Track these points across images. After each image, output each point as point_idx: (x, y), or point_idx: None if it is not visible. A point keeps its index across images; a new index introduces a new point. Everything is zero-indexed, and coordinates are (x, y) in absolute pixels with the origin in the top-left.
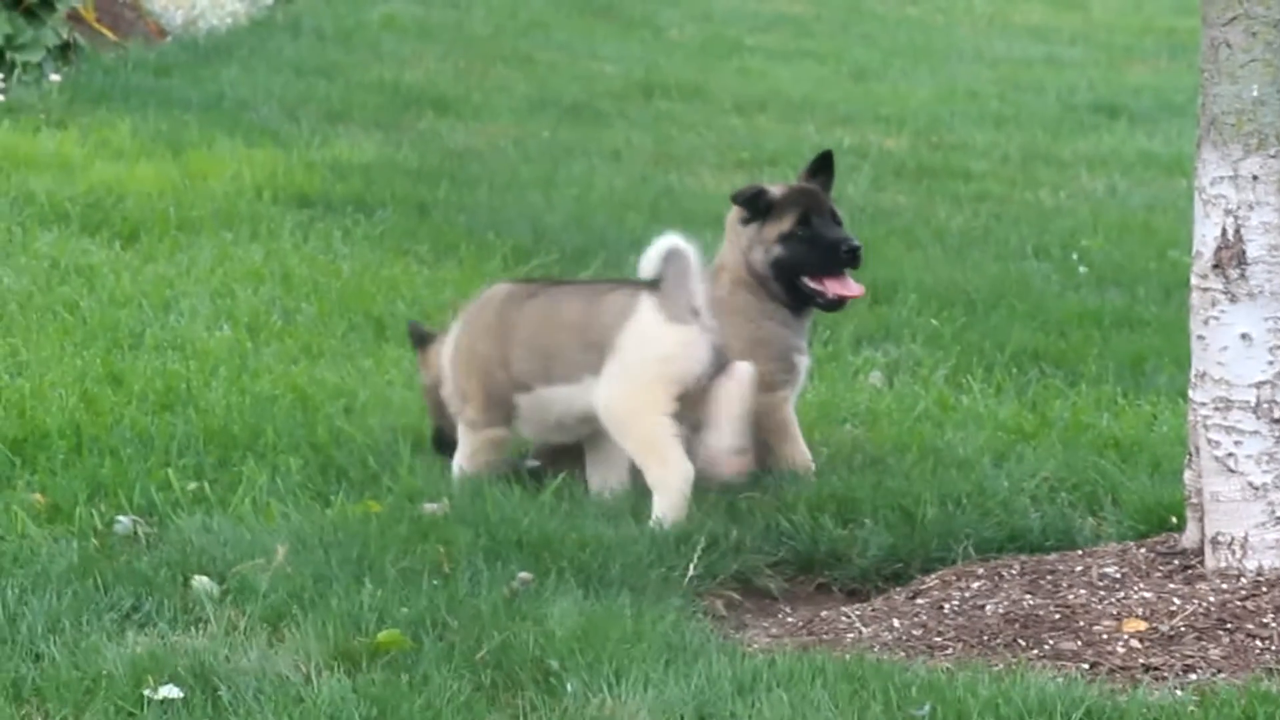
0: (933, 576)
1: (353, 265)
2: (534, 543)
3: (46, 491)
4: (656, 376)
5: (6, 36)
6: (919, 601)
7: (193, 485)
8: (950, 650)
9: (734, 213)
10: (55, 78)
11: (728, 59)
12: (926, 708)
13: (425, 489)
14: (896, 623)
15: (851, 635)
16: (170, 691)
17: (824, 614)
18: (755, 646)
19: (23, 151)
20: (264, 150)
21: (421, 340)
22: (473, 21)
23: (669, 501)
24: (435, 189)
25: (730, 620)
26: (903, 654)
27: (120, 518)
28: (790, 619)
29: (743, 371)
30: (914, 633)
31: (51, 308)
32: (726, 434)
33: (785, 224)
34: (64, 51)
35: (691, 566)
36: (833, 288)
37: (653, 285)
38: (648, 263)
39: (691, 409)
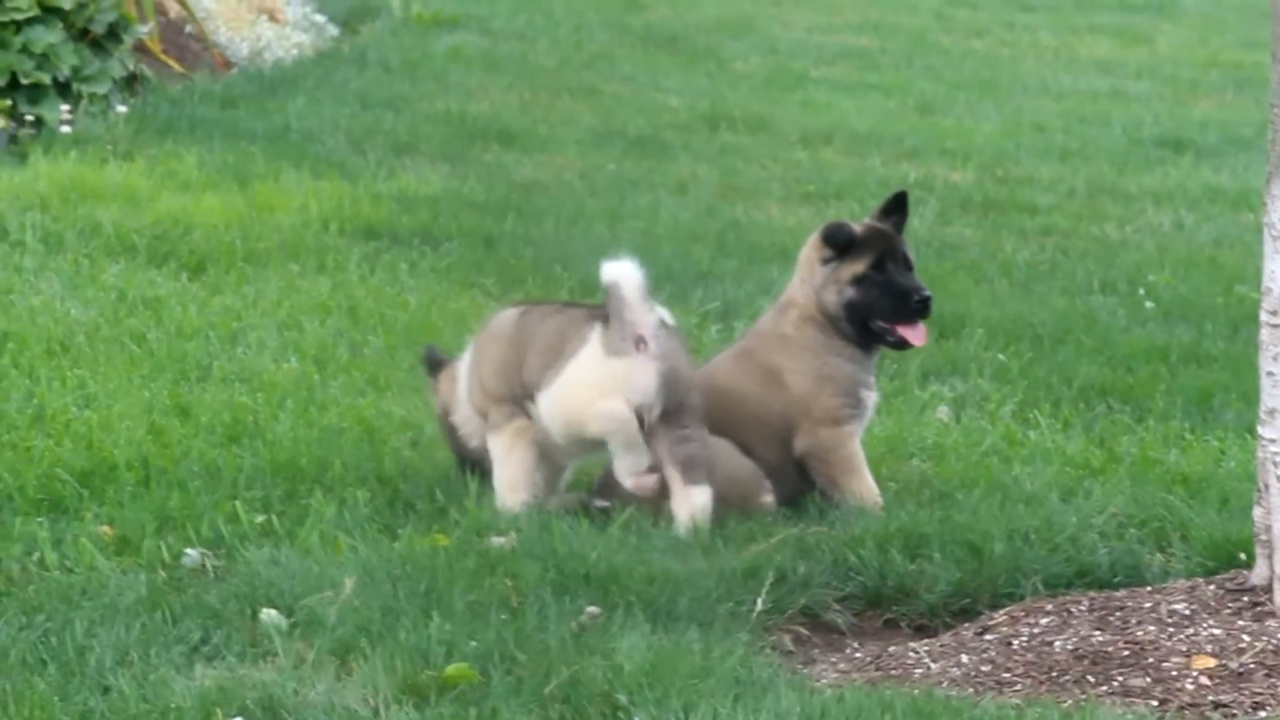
0: (1001, 612)
1: (419, 298)
2: (602, 577)
3: (114, 524)
4: (587, 404)
5: (73, 68)
6: (987, 637)
7: (260, 518)
8: (1019, 686)
9: (810, 249)
10: (122, 109)
11: (793, 91)
12: None
13: (493, 522)
14: (965, 658)
15: (920, 671)
16: None
17: (892, 649)
18: (823, 682)
19: (90, 183)
20: (330, 182)
21: (435, 366)
22: (538, 53)
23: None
24: (501, 222)
25: (798, 655)
26: (971, 690)
27: (188, 550)
28: (858, 654)
29: (701, 498)
30: (982, 669)
31: (119, 339)
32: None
33: (860, 266)
34: (130, 83)
35: (759, 601)
36: (901, 330)
37: (606, 315)
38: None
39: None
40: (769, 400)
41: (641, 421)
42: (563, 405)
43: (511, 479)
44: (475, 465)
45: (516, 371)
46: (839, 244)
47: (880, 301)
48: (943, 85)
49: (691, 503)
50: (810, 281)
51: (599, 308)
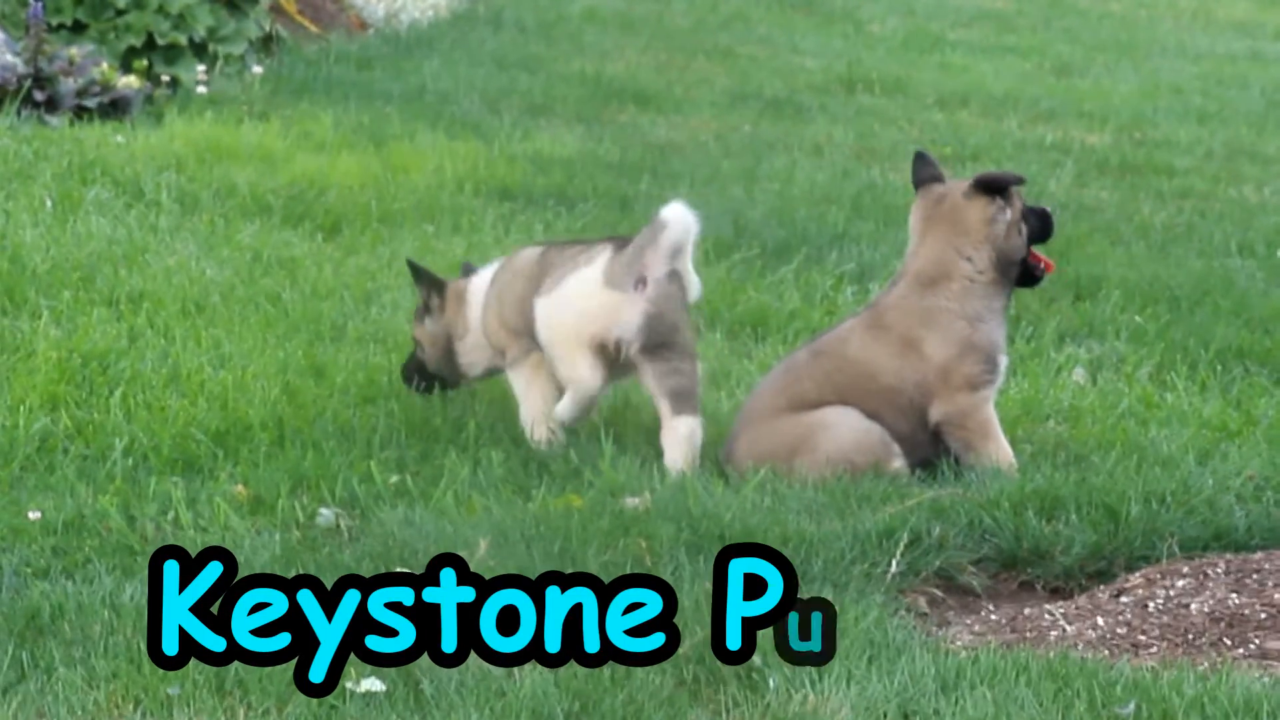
0: (1137, 574)
1: None
2: (736, 537)
3: (249, 483)
4: (571, 316)
5: (209, 29)
6: (1123, 600)
7: (395, 478)
8: (1155, 649)
9: (973, 210)
10: (257, 70)
11: (930, 54)
12: (1131, 706)
13: (627, 483)
14: (1100, 621)
15: (1055, 633)
16: (372, 684)
17: (1027, 611)
18: (958, 644)
19: (225, 143)
20: (465, 143)
21: (436, 286)
22: (673, 14)
23: (567, 400)
24: (636, 183)
25: (933, 617)
26: (1107, 652)
27: (322, 510)
28: (993, 616)
29: (687, 427)
30: (1118, 631)
31: (254, 299)
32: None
33: (1018, 202)
34: (266, 44)
35: (894, 563)
36: (1038, 257)
37: (621, 242)
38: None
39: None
40: (905, 371)
41: (616, 356)
42: (549, 318)
43: (535, 413)
44: (441, 387)
45: (531, 305)
46: (1002, 189)
47: (1041, 227)
48: (1080, 47)
49: (678, 432)
50: (985, 235)
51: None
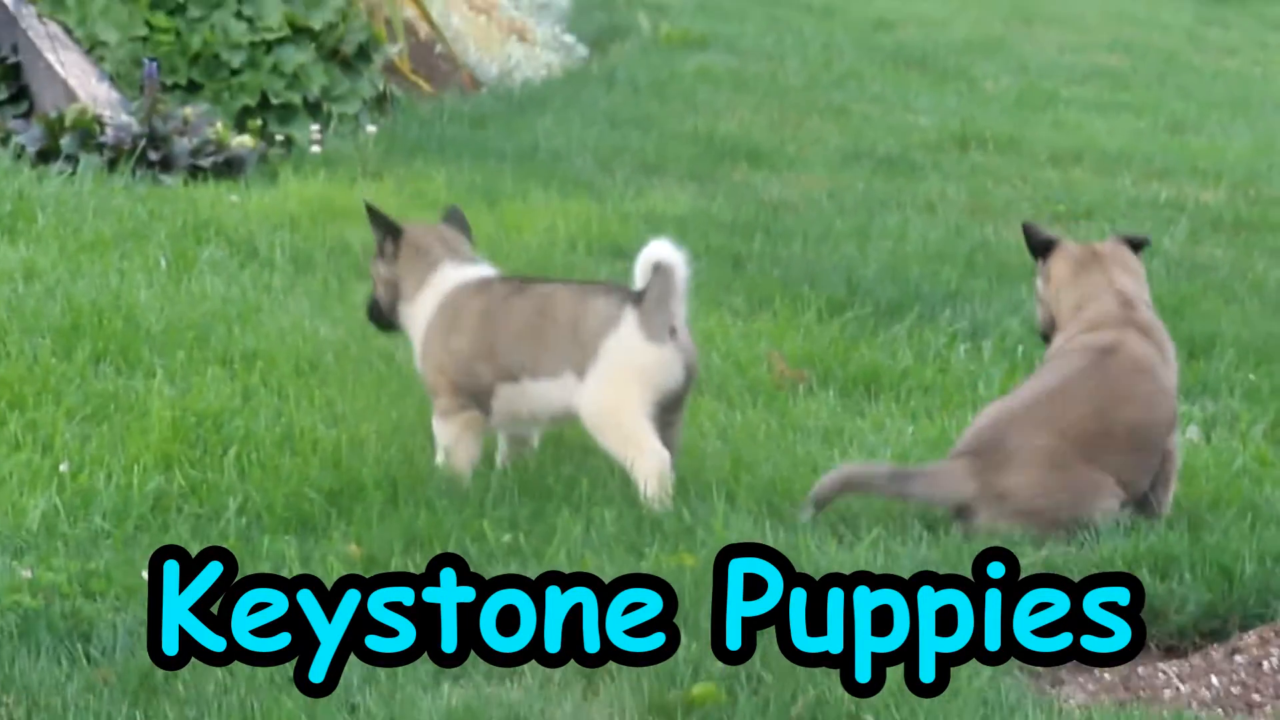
0: (1251, 634)
1: None
2: None
3: (362, 542)
4: (632, 384)
5: (323, 88)
6: (1237, 659)
7: (507, 537)
8: (1269, 708)
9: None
10: (371, 129)
11: (1043, 111)
12: None
13: (739, 541)
14: (1215, 680)
15: (1169, 692)
16: None
17: (1141, 670)
18: (1072, 703)
19: (339, 202)
20: (578, 201)
21: (394, 231)
22: (786, 73)
23: (654, 487)
24: (749, 241)
25: (1046, 676)
26: (1221, 711)
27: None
28: (1107, 675)
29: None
30: (1232, 690)
31: (367, 359)
32: None
33: None
34: (380, 103)
35: None
36: None
37: (638, 297)
38: (640, 269)
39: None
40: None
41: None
42: (600, 397)
43: (459, 468)
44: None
45: (484, 361)
46: None
47: None
48: (1194, 104)
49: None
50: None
51: (592, 286)
